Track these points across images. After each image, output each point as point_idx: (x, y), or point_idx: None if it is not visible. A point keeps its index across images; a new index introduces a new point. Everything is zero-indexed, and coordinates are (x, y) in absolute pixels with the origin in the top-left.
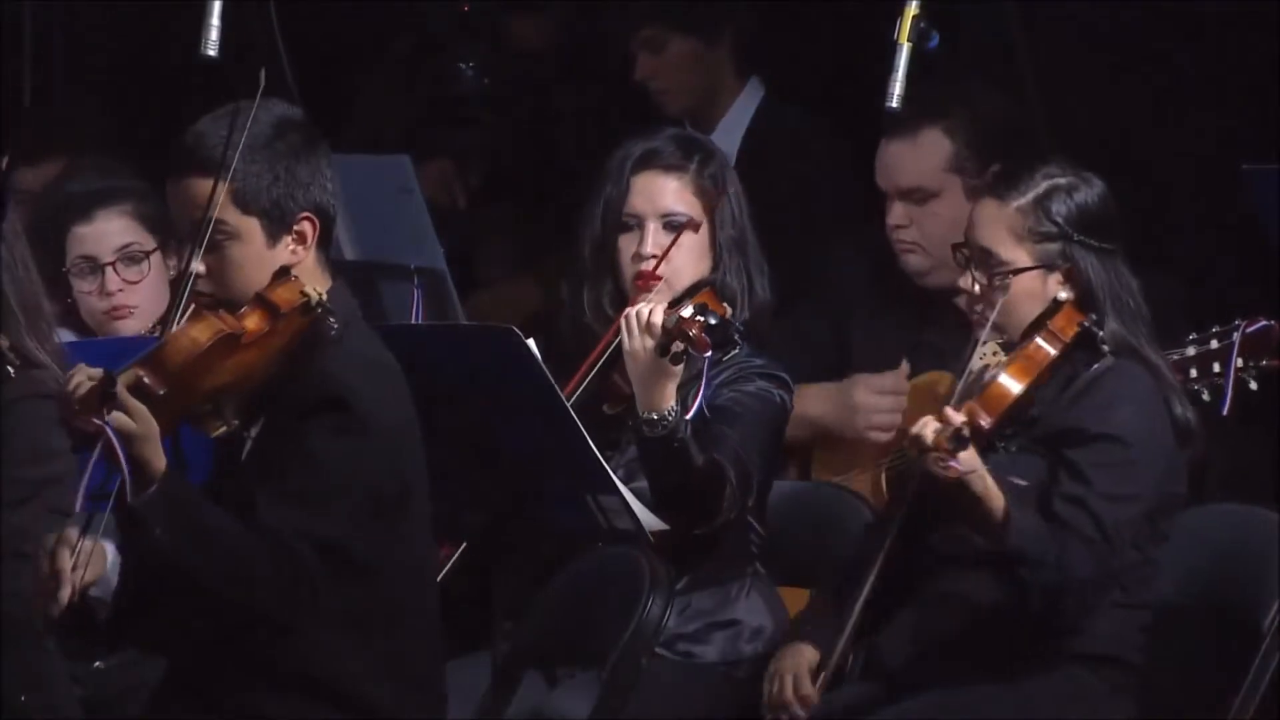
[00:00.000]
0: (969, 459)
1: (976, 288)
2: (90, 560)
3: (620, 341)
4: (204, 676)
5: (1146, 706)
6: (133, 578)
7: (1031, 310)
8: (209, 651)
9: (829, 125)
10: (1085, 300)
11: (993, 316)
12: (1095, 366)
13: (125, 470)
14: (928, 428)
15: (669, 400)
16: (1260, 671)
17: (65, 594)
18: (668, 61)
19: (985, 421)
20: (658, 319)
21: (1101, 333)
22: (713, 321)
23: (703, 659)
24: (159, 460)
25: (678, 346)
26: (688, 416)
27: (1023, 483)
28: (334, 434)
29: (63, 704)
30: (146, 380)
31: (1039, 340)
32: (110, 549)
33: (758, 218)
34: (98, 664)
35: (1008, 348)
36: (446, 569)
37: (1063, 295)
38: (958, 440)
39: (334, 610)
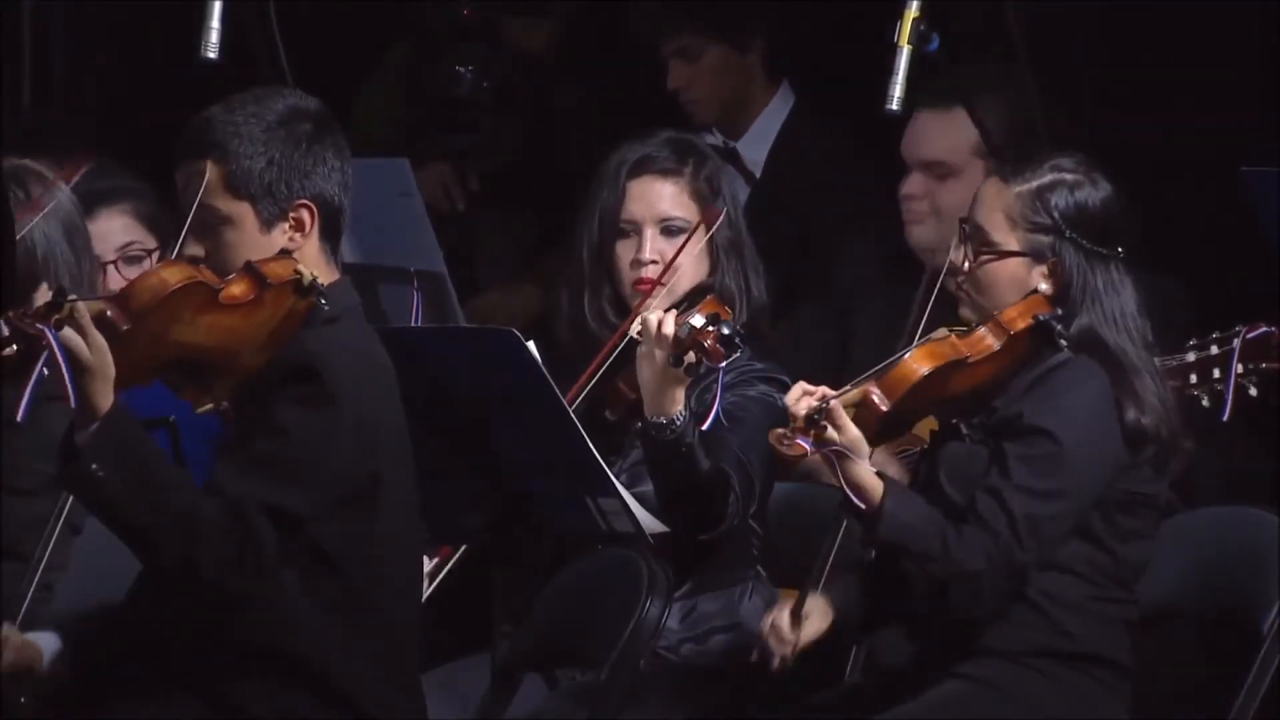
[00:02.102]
0: (843, 439)
1: (966, 264)
2: (21, 651)
3: (622, 348)
4: (182, 663)
5: (1146, 707)
6: (86, 654)
7: (1010, 296)
8: (187, 640)
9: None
10: (1063, 297)
11: (972, 292)
12: (1049, 360)
13: (68, 379)
14: (800, 403)
15: (678, 405)
16: (1260, 673)
17: None
18: (702, 70)
19: (883, 403)
20: (669, 330)
21: (1059, 327)
22: (725, 331)
23: (706, 662)
24: (106, 399)
25: (691, 358)
26: (704, 426)
27: (892, 476)
28: (299, 403)
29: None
30: (109, 313)
31: (982, 329)
32: (48, 640)
33: (785, 225)
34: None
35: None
36: (446, 569)
37: (1043, 288)
38: (810, 421)
39: (304, 599)
